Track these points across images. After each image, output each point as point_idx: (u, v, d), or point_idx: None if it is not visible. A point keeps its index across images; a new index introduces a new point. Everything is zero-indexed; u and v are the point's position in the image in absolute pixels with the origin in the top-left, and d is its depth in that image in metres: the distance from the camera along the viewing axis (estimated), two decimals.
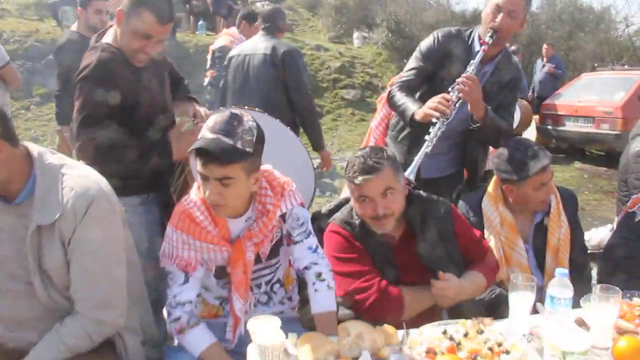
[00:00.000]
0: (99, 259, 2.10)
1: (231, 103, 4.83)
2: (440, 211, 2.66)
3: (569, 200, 3.11)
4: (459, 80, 3.06)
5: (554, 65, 12.84)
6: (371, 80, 14.94)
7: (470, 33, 3.36)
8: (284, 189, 2.42)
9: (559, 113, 11.39)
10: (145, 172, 2.86)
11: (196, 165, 2.17)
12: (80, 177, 2.10)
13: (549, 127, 11.46)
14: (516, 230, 2.98)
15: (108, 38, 2.87)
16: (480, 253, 2.73)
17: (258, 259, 2.41)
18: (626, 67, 14.19)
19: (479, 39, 3.29)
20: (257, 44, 5.00)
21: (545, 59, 13.09)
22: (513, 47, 11.80)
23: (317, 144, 5.08)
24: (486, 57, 3.22)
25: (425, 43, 3.38)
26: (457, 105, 3.08)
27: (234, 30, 6.45)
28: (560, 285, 2.15)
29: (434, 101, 3.05)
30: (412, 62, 3.41)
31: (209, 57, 7.63)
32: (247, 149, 2.14)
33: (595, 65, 13.34)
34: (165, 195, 3.05)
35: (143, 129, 2.87)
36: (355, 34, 17.77)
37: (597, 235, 5.03)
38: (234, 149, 2.10)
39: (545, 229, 3.01)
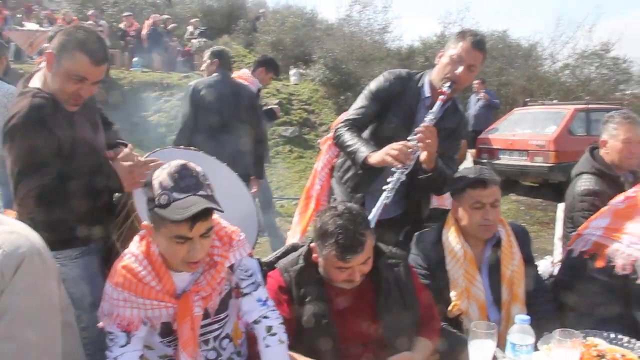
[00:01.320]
0: (31, 325, 1.89)
1: (209, 136, 4.96)
2: (401, 265, 2.63)
3: (522, 235, 3.12)
4: (418, 129, 3.00)
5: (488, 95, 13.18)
6: (309, 117, 14.98)
7: (420, 77, 3.34)
8: (232, 239, 2.32)
9: (494, 147, 11.65)
10: (87, 219, 2.69)
11: (171, 231, 2.05)
12: (9, 233, 1.91)
13: (485, 160, 11.66)
14: (475, 264, 2.95)
15: (36, 82, 2.71)
16: (428, 307, 2.70)
17: (206, 314, 2.28)
18: (555, 101, 14.72)
19: (430, 85, 3.28)
20: (228, 81, 5.49)
21: (478, 94, 13.42)
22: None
23: (262, 173, 5.80)
24: (433, 104, 3.18)
25: (376, 83, 3.34)
26: (417, 154, 3.04)
27: (246, 72, 6.63)
28: (521, 331, 2.11)
29: (394, 148, 2.98)
30: (361, 101, 3.36)
31: None
32: (213, 193, 2.11)
33: (527, 100, 13.76)
34: (105, 245, 2.89)
35: (80, 174, 2.68)
36: (292, 71, 17.86)
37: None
38: (211, 199, 2.08)
39: (498, 262, 2.98)
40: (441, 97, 3.14)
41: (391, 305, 2.49)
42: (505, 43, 20.63)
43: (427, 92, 3.27)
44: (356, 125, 3.31)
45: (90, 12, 17.05)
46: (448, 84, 3.13)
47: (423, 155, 3.05)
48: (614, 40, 19.67)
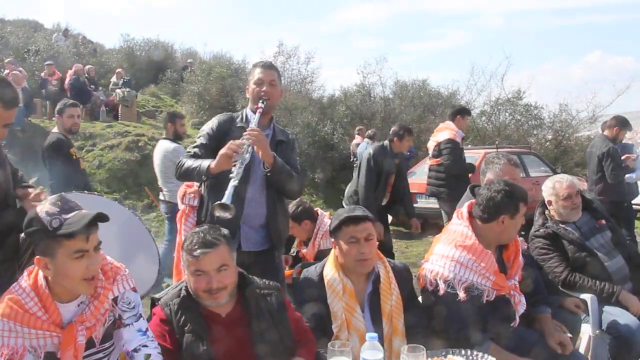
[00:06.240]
0: None
1: None
2: (274, 296, 2.88)
3: (403, 273, 3.34)
4: (246, 131, 3.49)
5: None
6: None
7: (242, 112, 3.90)
8: (116, 273, 2.52)
9: (412, 191, 12.01)
10: None
11: (69, 248, 2.28)
12: None
13: None
14: (355, 298, 3.15)
15: None
16: (304, 332, 2.95)
17: (92, 343, 2.45)
18: (469, 146, 15.41)
19: (252, 114, 3.80)
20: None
21: None
22: (369, 132, 12.42)
23: None
24: (263, 124, 3.72)
25: (209, 125, 3.88)
26: (250, 149, 3.46)
27: (450, 124, 7.89)
28: (371, 348, 2.36)
29: (225, 147, 3.40)
30: (199, 140, 3.80)
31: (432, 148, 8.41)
32: None
33: None
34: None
35: None
36: None
37: None
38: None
39: (379, 297, 3.19)
40: (259, 110, 3.68)
41: (264, 331, 2.71)
42: (426, 91, 21.37)
43: (252, 120, 3.75)
44: (197, 156, 3.70)
45: (7, 60, 16.85)
46: (261, 101, 3.72)
47: (260, 153, 3.52)
48: (525, 88, 20.92)
